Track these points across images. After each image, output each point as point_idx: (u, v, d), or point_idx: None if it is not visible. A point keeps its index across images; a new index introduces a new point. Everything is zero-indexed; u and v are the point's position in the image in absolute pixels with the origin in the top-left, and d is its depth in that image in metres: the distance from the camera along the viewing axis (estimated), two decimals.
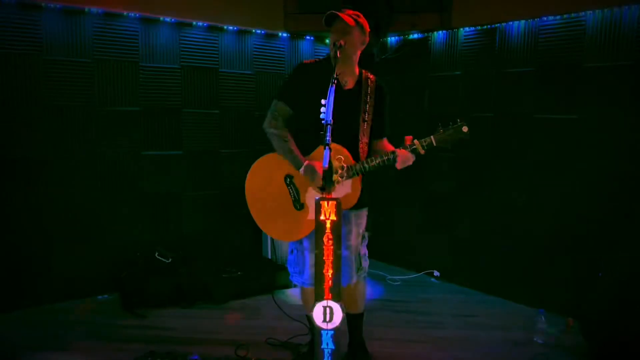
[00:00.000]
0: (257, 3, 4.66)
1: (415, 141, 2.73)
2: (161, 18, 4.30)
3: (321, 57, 3.01)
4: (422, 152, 2.72)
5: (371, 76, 2.93)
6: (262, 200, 2.94)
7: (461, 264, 4.67)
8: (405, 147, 2.73)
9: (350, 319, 3.12)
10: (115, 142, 4.21)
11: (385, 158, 2.72)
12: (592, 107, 3.74)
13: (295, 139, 2.87)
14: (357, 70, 2.90)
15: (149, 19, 4.25)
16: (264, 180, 2.94)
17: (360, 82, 2.89)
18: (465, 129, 2.73)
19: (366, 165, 2.73)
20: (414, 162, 2.76)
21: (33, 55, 3.82)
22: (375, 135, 2.92)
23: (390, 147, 2.89)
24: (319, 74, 2.75)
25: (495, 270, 4.38)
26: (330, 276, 2.23)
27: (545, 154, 4.01)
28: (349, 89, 2.86)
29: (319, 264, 2.22)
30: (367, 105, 2.85)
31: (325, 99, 2.38)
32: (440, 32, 4.65)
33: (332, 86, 2.44)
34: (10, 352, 3.26)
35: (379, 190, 3.45)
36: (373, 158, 2.74)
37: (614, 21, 3.60)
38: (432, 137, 2.73)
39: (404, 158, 2.71)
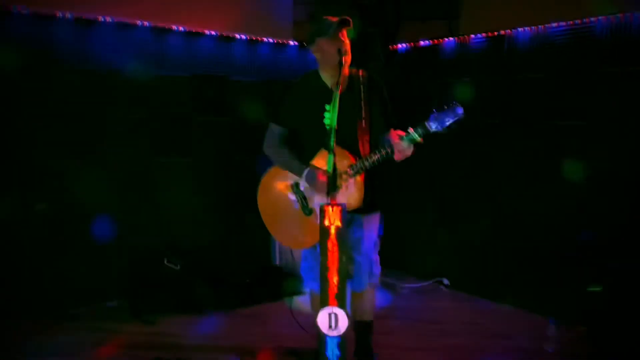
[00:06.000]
0: (266, 12, 4.71)
1: (410, 129, 2.60)
2: (172, 28, 4.37)
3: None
4: (420, 140, 2.59)
5: (360, 72, 2.90)
6: (275, 211, 2.96)
7: (471, 272, 4.62)
8: (400, 137, 2.62)
9: (359, 327, 3.09)
10: (125, 149, 4.25)
11: (383, 152, 2.65)
12: (601, 113, 3.70)
13: (297, 151, 2.89)
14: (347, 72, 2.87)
15: (161, 29, 4.32)
16: (274, 190, 2.97)
17: (351, 81, 2.86)
18: (459, 110, 2.56)
19: (365, 163, 2.67)
20: (415, 153, 2.64)
21: (47, 65, 3.89)
22: (379, 128, 2.84)
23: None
24: (308, 85, 2.88)
25: (505, 278, 4.34)
26: (335, 282, 2.22)
27: (554, 160, 3.97)
28: (342, 92, 2.78)
29: (323, 270, 2.22)
30: (361, 102, 2.81)
31: (319, 107, 2.39)
32: (449, 39, 4.65)
33: (336, 92, 2.47)
34: (19, 358, 3.28)
35: (387, 196, 3.43)
36: (371, 154, 2.67)
37: (623, 27, 3.57)
38: (425, 123, 2.59)
39: (401, 149, 2.60)
